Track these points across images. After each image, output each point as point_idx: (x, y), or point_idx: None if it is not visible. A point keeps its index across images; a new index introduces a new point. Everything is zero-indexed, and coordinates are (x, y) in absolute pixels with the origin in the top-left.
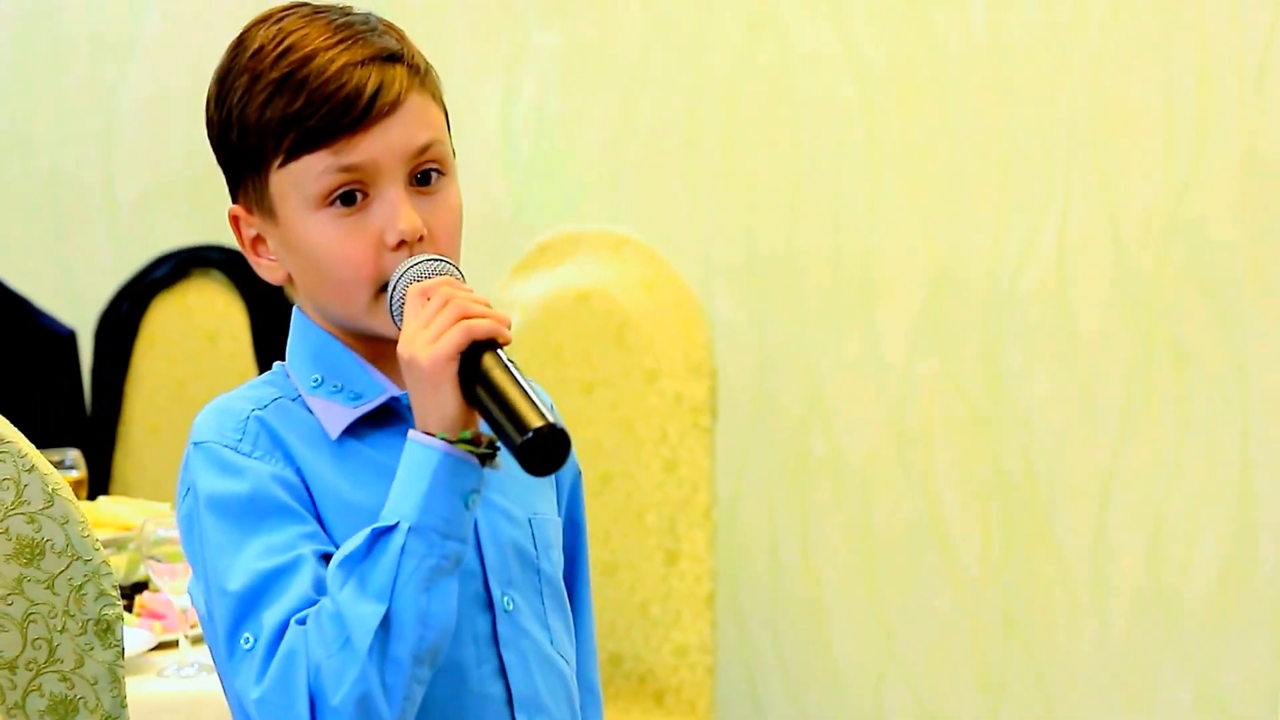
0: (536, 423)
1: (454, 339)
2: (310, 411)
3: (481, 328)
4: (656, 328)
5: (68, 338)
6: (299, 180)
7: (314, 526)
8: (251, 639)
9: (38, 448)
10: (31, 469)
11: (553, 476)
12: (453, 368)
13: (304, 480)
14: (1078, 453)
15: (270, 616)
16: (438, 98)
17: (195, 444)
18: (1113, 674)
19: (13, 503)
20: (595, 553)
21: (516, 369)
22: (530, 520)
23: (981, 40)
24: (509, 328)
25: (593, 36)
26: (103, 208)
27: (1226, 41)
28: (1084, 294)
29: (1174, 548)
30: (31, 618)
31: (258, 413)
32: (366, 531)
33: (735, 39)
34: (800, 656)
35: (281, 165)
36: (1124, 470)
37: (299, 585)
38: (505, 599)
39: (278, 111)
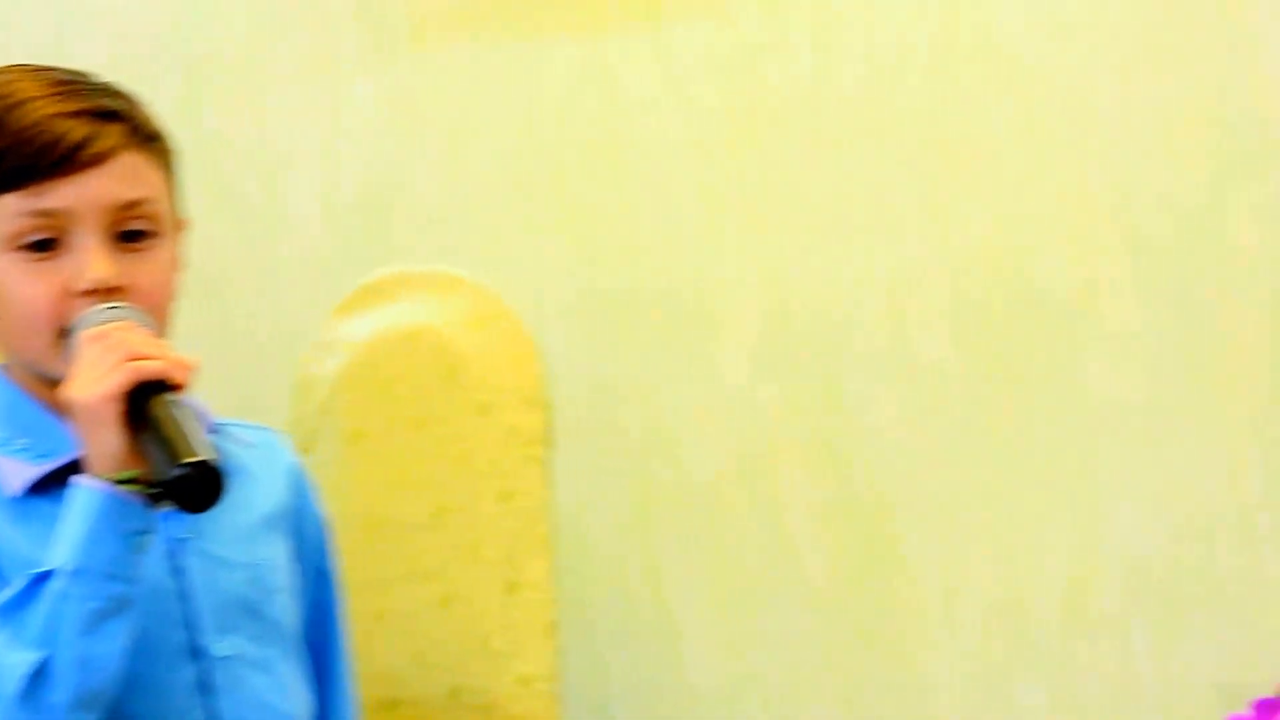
0: (185, 457)
1: (117, 379)
2: None
3: (150, 369)
4: (489, 364)
5: None
6: None
7: None
8: None
9: None
10: None
11: (289, 524)
12: (114, 408)
13: None
14: (923, 472)
15: None
16: (165, 165)
17: None
18: (968, 680)
19: None
20: (431, 587)
21: (183, 411)
22: (253, 565)
23: (807, 85)
24: (189, 372)
25: (416, 83)
26: None
27: (1041, 90)
28: (921, 323)
29: (1022, 559)
30: None
31: None
32: (25, 578)
33: (562, 84)
34: (652, 679)
35: None
36: (969, 487)
37: None
38: (218, 646)
39: None
